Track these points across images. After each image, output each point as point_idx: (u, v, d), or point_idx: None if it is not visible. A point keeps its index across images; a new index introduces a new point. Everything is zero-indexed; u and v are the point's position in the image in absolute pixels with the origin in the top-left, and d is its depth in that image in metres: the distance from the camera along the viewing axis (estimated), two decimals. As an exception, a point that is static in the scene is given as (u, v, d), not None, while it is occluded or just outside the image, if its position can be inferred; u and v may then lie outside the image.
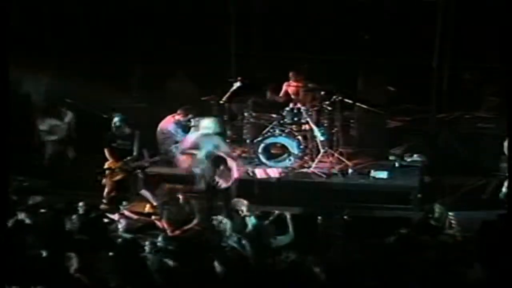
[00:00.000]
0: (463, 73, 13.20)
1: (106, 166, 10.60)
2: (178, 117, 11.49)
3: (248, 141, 11.73)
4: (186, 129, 11.49)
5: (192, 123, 11.48)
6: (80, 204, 9.53)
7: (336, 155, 11.47)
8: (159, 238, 8.55)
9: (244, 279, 7.51)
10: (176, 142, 11.46)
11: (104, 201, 10.53)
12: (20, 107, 12.25)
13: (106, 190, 10.58)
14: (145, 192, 10.55)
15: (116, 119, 10.60)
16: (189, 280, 7.50)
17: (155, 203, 10.35)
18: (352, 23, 13.10)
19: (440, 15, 12.30)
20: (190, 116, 11.48)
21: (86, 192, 10.54)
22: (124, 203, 10.13)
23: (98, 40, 13.23)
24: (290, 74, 12.03)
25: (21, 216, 9.17)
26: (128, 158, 10.49)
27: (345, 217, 9.69)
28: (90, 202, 9.90)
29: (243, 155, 11.80)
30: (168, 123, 11.51)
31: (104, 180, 10.54)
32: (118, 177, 10.55)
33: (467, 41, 12.39)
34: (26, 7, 12.51)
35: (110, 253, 7.97)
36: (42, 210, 9.58)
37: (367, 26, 13.26)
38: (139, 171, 10.57)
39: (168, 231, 9.64)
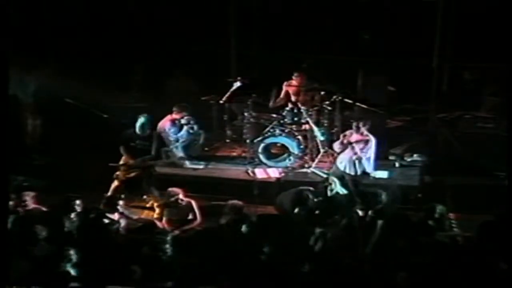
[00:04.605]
0: (463, 73, 13.21)
1: (121, 162, 10.64)
2: (174, 115, 11.50)
3: (248, 141, 11.72)
4: (180, 128, 11.50)
5: (183, 121, 11.45)
6: (77, 202, 9.52)
7: (336, 155, 11.46)
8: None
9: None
10: (176, 141, 11.47)
11: (104, 200, 10.51)
12: (19, 107, 12.33)
13: (113, 185, 10.59)
14: (154, 190, 10.58)
15: (142, 120, 10.57)
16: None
17: (160, 202, 10.36)
18: (352, 23, 13.11)
19: (440, 15, 12.30)
20: (184, 114, 11.47)
21: (86, 192, 10.52)
22: (121, 202, 10.11)
23: (98, 40, 13.23)
24: (294, 74, 12.02)
25: (21, 215, 9.21)
26: (147, 156, 10.51)
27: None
28: (88, 201, 9.88)
29: (243, 155, 11.81)
30: (165, 122, 11.51)
31: (115, 175, 10.58)
32: (132, 174, 10.58)
33: (467, 41, 12.38)
34: (26, 7, 12.50)
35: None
36: (43, 209, 9.61)
37: (367, 26, 13.25)
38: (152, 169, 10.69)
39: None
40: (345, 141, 10.57)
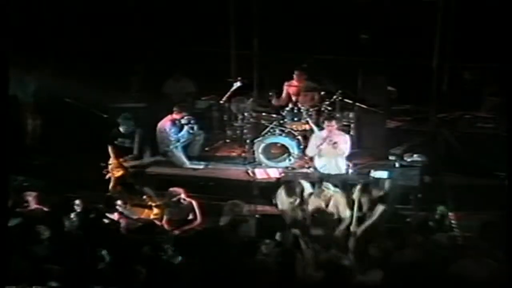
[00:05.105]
0: (463, 73, 13.20)
1: (110, 161, 10.76)
2: (174, 115, 11.51)
3: (248, 141, 11.72)
4: (181, 128, 11.50)
5: (183, 121, 11.46)
6: (77, 202, 9.53)
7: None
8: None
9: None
10: (177, 141, 11.48)
11: (103, 200, 10.52)
12: (19, 107, 12.34)
13: (111, 184, 10.69)
14: (148, 190, 10.59)
15: (123, 119, 10.74)
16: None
17: (157, 202, 10.36)
18: (352, 23, 13.10)
19: (440, 15, 12.29)
20: (184, 114, 11.49)
21: (85, 191, 10.54)
22: (119, 202, 10.12)
23: (98, 40, 13.23)
24: (295, 73, 12.03)
25: (21, 215, 9.22)
26: (129, 156, 10.56)
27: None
28: (88, 201, 9.90)
29: (243, 155, 11.81)
30: (165, 122, 11.52)
31: (109, 175, 10.67)
32: (119, 174, 10.69)
33: (467, 41, 12.38)
34: (26, 7, 12.50)
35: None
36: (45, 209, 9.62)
37: (367, 26, 13.25)
38: (138, 169, 10.66)
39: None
40: (330, 143, 10.46)
